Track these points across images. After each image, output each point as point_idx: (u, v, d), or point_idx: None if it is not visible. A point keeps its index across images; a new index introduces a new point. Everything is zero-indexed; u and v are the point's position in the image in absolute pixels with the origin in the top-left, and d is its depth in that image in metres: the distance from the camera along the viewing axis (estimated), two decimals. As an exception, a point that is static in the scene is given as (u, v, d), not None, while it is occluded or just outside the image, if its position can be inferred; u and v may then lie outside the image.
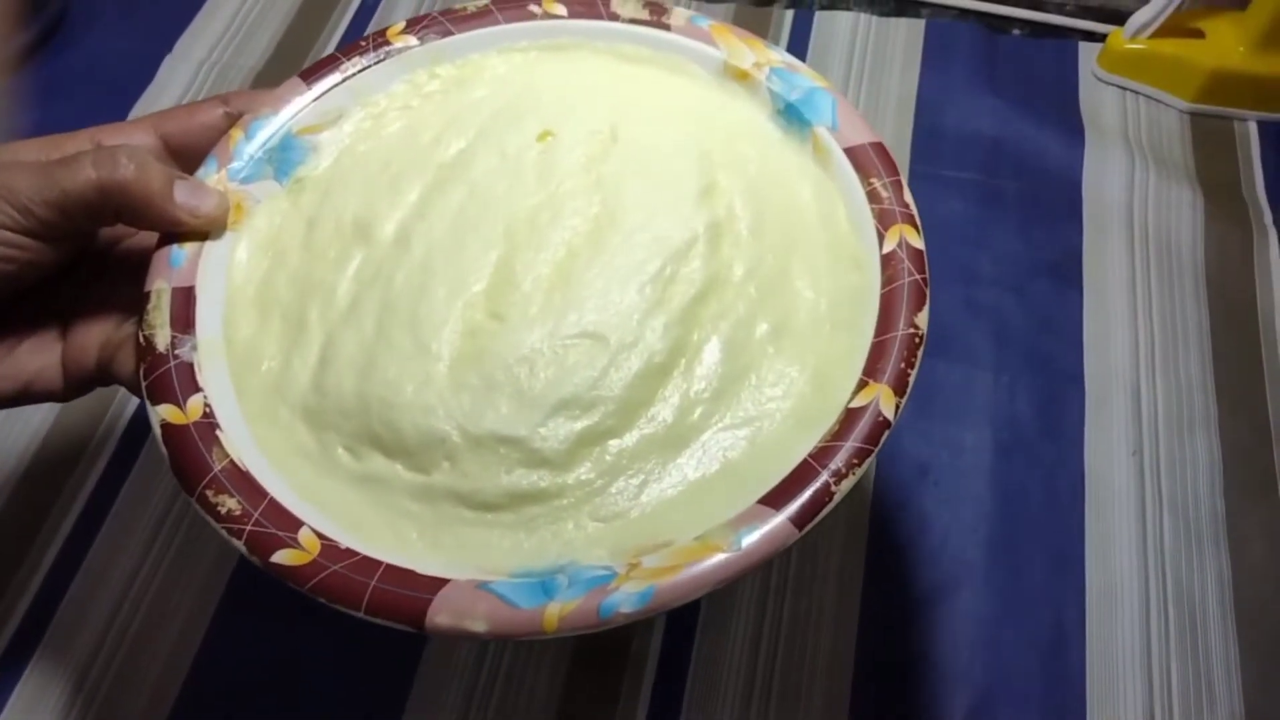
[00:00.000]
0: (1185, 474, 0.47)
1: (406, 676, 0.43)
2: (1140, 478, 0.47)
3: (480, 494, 0.28)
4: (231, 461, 0.28)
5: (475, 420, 0.28)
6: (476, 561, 0.27)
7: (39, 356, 0.31)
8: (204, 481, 0.28)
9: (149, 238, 0.32)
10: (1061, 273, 0.53)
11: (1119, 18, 0.63)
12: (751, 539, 0.25)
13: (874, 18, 0.64)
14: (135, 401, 0.51)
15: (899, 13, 0.65)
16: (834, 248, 0.33)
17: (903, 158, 0.58)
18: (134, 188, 0.29)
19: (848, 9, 0.65)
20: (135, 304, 0.31)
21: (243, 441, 0.29)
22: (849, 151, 0.33)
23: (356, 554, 0.27)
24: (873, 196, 0.32)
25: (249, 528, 0.27)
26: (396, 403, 0.29)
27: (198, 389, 0.29)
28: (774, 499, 0.26)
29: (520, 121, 0.35)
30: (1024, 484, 0.47)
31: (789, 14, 0.65)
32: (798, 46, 0.63)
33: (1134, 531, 0.46)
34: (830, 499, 0.26)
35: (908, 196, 0.33)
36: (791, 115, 0.35)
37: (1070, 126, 0.59)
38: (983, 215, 0.56)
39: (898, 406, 0.27)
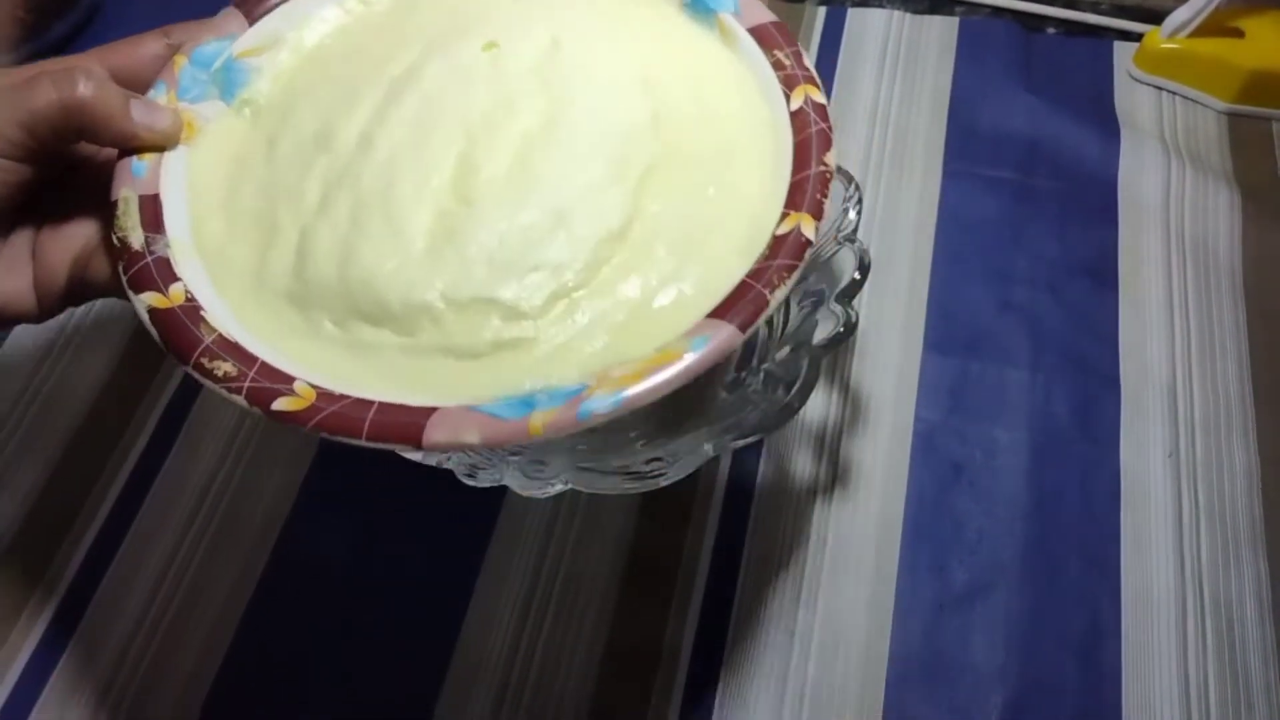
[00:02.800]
0: (1222, 478, 0.47)
1: (435, 679, 0.44)
2: (1176, 481, 0.47)
3: (465, 346, 0.31)
4: (220, 335, 0.30)
5: (456, 288, 0.31)
6: (462, 395, 0.29)
7: (10, 279, 0.33)
8: (198, 351, 0.30)
9: (105, 164, 0.33)
10: (1097, 273, 0.53)
11: (1154, 16, 0.62)
12: (704, 344, 0.29)
13: (907, 15, 0.64)
14: (175, 382, 0.52)
15: (933, 10, 0.64)
16: (751, 119, 0.36)
17: (936, 156, 0.58)
18: (94, 105, 0.31)
19: (880, 6, 0.65)
20: (99, 222, 0.33)
21: (228, 320, 0.32)
22: (752, 31, 0.37)
23: (350, 396, 0.29)
24: (777, 65, 0.36)
25: (247, 384, 0.29)
26: (379, 283, 0.31)
27: (177, 278, 0.31)
28: (720, 312, 0.30)
29: (465, 36, 0.37)
30: (1059, 485, 0.47)
31: (821, 10, 0.65)
32: (830, 44, 0.63)
33: (1170, 535, 0.45)
34: (766, 305, 0.30)
35: (808, 62, 0.37)
36: (698, 7, 0.39)
37: (1106, 126, 0.58)
38: (1018, 214, 0.55)
39: (816, 229, 0.32)
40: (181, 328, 0.30)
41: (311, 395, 0.29)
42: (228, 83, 0.36)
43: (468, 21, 0.38)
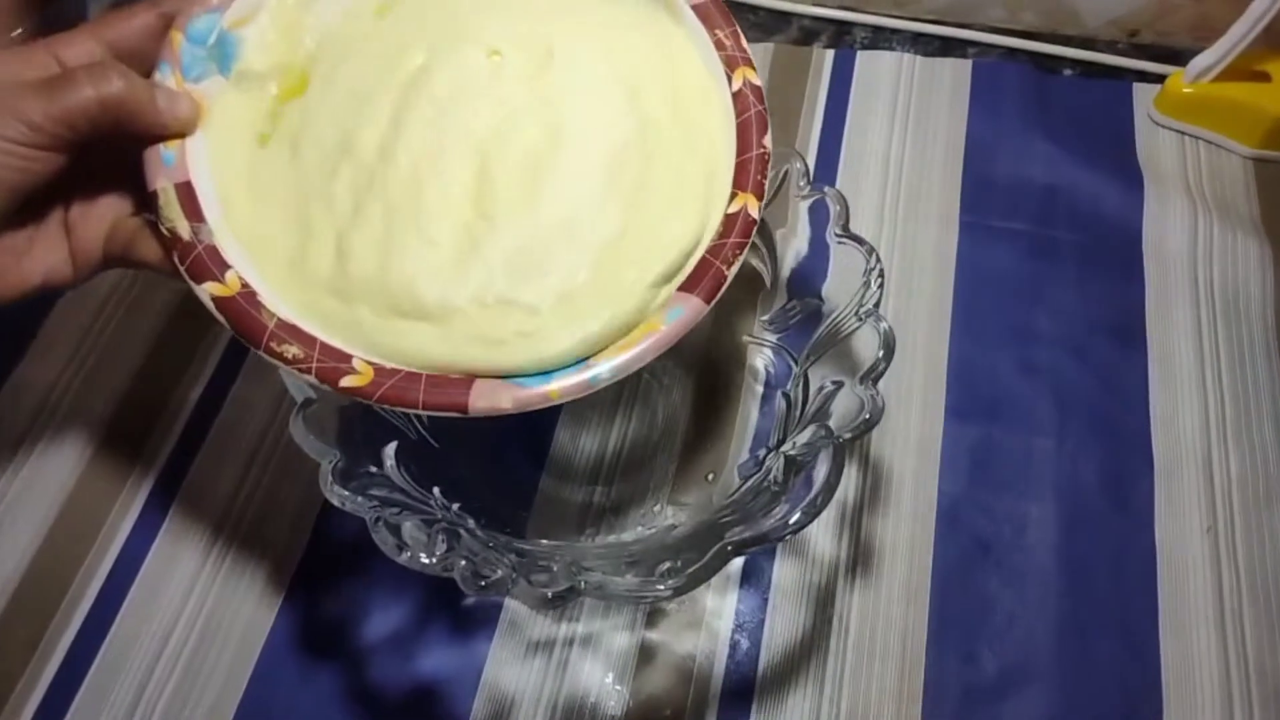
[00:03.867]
0: (1265, 551, 0.44)
1: None
2: (1216, 556, 0.44)
3: (492, 335, 0.35)
4: (279, 319, 0.34)
5: (483, 292, 0.35)
6: (492, 371, 0.35)
7: (51, 254, 0.36)
8: (265, 336, 0.33)
9: (117, 141, 0.34)
10: (1123, 332, 0.51)
11: (1172, 56, 0.61)
12: (678, 315, 0.35)
13: (918, 58, 0.62)
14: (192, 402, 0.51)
15: (944, 52, 0.62)
16: (711, 101, 0.39)
17: (953, 206, 0.56)
18: (129, 100, 0.33)
19: (891, 48, 0.63)
20: (126, 198, 0.36)
21: (278, 304, 0.34)
22: (695, 8, 0.39)
23: (400, 370, 0.34)
24: (718, 45, 0.39)
25: (314, 365, 0.33)
26: (417, 287, 0.35)
27: (228, 265, 0.34)
28: (688, 286, 0.35)
29: (464, 40, 0.38)
30: (1092, 563, 0.45)
31: (829, 54, 0.62)
32: (840, 87, 0.61)
33: (1212, 614, 0.43)
34: (725, 279, 0.35)
35: (744, 43, 0.39)
36: None
37: (1128, 173, 0.56)
38: (1037, 269, 0.53)
39: (759, 209, 0.36)
40: (246, 315, 0.33)
41: (370, 372, 0.34)
42: (223, 56, 0.37)
43: (463, 23, 0.39)
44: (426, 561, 0.35)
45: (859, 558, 0.45)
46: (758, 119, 0.38)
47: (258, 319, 0.34)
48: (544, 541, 0.41)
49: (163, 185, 0.34)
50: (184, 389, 0.52)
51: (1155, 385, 0.49)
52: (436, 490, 0.41)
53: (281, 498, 0.48)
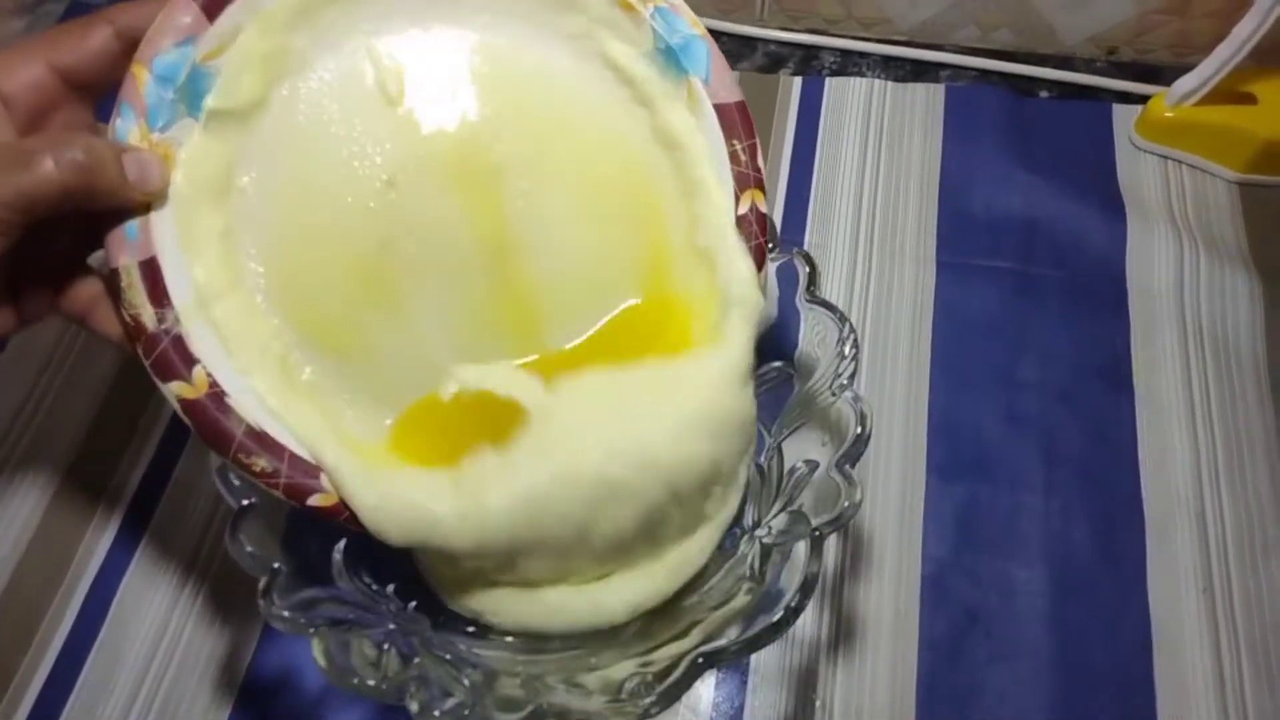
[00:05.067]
0: (1263, 611, 0.42)
1: None
2: (1213, 619, 0.42)
3: None
4: (248, 425, 0.32)
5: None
6: None
7: None
8: (234, 446, 0.32)
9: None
10: (1110, 375, 0.49)
11: (1153, 75, 0.58)
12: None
13: (889, 83, 0.59)
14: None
15: (916, 76, 0.60)
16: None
17: (929, 243, 0.53)
18: (98, 182, 0.29)
19: (861, 75, 0.60)
20: (82, 250, 0.33)
21: (249, 402, 0.33)
22: (718, 109, 0.37)
23: None
24: (733, 158, 0.37)
25: (282, 480, 0.32)
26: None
27: (195, 360, 0.32)
28: None
29: (429, 153, 0.36)
30: (1084, 630, 0.43)
31: (797, 81, 0.60)
32: (808, 116, 0.58)
33: (1211, 682, 0.41)
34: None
35: (760, 160, 0.37)
36: (670, 58, 0.37)
37: (1110, 203, 0.54)
38: (1021, 310, 0.51)
39: None
40: (213, 421, 0.32)
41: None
42: (193, 94, 0.33)
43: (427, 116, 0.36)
44: (374, 685, 0.32)
45: (841, 633, 0.43)
46: (755, 251, 0.36)
47: (225, 426, 0.32)
48: (509, 639, 0.39)
49: (125, 263, 0.31)
50: (139, 439, 0.49)
51: (1144, 432, 0.47)
52: (390, 588, 0.39)
53: (233, 586, 0.45)
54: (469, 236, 0.37)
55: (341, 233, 0.35)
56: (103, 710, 0.43)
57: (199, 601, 0.45)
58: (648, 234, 0.38)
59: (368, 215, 0.35)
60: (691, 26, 0.37)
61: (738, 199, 0.37)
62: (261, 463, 0.32)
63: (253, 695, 0.43)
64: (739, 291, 0.36)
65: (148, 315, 0.31)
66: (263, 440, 0.32)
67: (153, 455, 0.49)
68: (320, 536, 0.39)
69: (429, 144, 0.36)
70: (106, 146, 0.30)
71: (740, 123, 0.37)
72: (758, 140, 0.37)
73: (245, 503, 0.35)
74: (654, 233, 0.38)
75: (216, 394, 0.32)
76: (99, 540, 0.47)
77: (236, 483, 0.35)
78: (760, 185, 0.37)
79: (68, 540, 0.47)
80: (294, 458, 0.33)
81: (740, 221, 0.37)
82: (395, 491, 0.34)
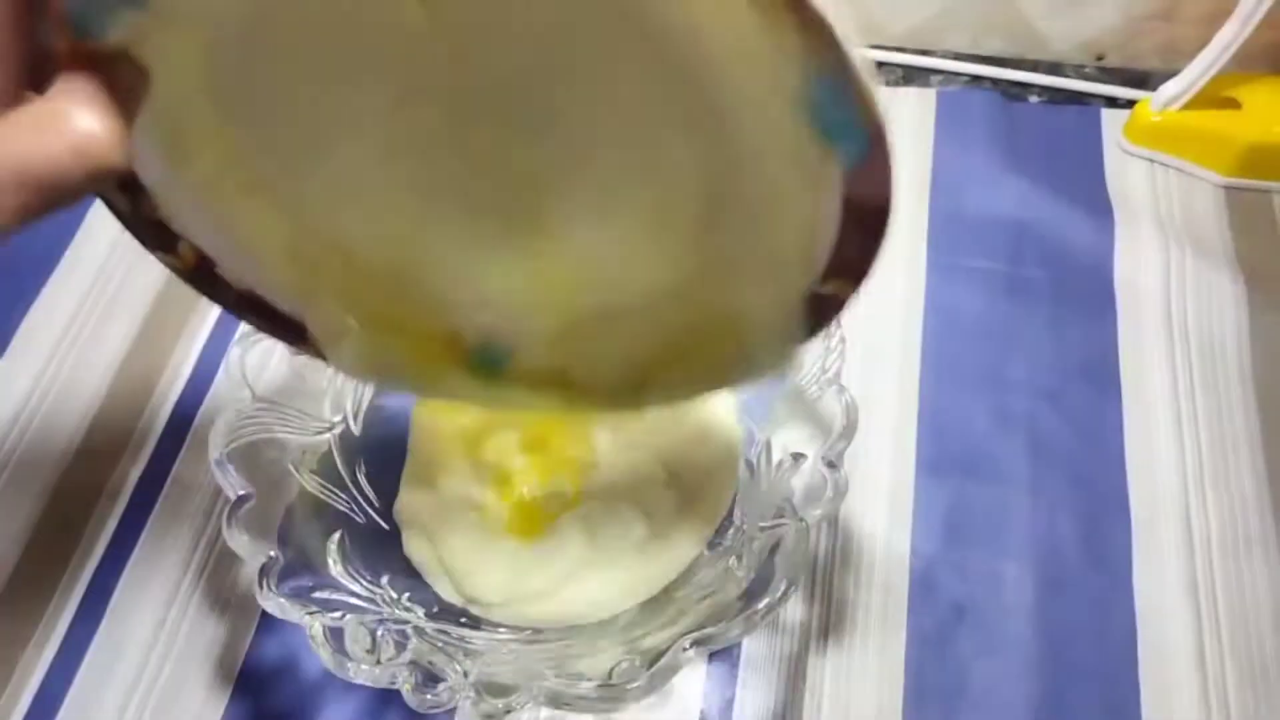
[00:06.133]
0: (1246, 610, 0.43)
1: None
2: (1197, 615, 0.43)
3: None
4: None
5: None
6: None
7: None
8: None
9: None
10: (1098, 375, 0.49)
11: (1141, 80, 0.59)
12: None
13: (881, 88, 0.60)
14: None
15: (907, 81, 0.61)
16: None
17: (919, 245, 0.54)
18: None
19: (853, 79, 0.61)
20: None
21: None
22: None
23: None
24: None
25: None
26: None
27: None
28: None
29: None
30: (1070, 628, 0.43)
31: (790, 85, 0.60)
32: (801, 120, 0.59)
33: (1194, 680, 0.42)
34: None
35: None
36: None
37: (1098, 205, 0.55)
38: (1010, 311, 0.52)
39: None
40: None
41: None
42: None
43: None
44: (368, 669, 0.33)
45: (831, 623, 0.44)
46: None
47: None
48: (501, 630, 0.39)
49: None
50: (139, 437, 0.50)
51: (1131, 432, 0.48)
52: (384, 579, 0.39)
53: (230, 580, 0.46)
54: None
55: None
56: (103, 700, 0.43)
57: (196, 595, 0.45)
58: None
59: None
60: None
61: None
62: None
63: (250, 685, 0.43)
64: None
65: None
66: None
67: (152, 453, 0.50)
68: (316, 528, 0.39)
69: None
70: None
71: None
72: None
73: (242, 493, 0.36)
74: None
75: None
76: (98, 537, 0.47)
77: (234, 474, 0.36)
78: None
79: (67, 538, 0.47)
80: None
81: None
82: None
